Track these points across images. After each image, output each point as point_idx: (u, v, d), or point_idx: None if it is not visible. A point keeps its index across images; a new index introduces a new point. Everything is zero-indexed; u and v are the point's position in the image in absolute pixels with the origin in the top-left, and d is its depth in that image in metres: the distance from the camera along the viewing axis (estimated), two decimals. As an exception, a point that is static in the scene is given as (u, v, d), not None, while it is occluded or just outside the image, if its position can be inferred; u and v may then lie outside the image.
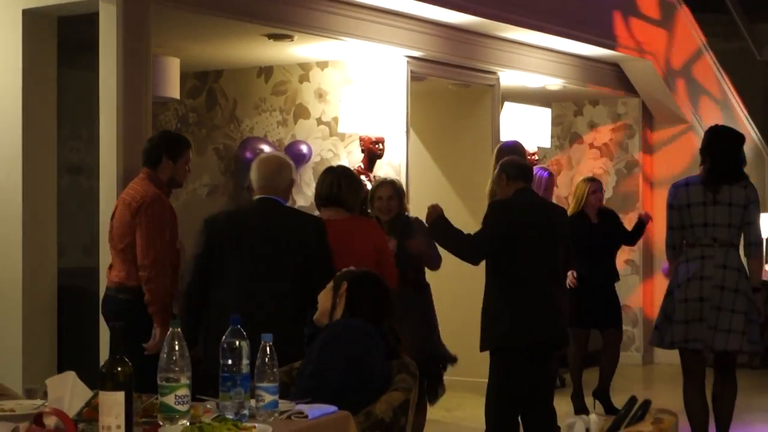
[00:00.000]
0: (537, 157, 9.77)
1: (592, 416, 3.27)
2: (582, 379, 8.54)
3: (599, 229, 8.57)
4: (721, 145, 6.53)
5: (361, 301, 4.50)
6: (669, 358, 11.38)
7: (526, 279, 6.17)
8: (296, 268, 5.32)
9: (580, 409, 8.33)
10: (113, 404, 2.96)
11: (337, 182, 5.90)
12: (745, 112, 12.73)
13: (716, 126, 6.96)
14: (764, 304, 6.82)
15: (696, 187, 6.49)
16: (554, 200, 8.05)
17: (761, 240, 6.56)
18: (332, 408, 3.81)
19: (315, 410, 3.73)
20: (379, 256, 5.80)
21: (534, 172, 7.42)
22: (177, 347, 3.35)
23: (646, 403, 3.31)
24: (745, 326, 6.36)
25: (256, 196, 5.54)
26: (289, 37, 7.94)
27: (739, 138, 6.64)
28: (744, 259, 6.53)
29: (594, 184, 8.72)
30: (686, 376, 6.66)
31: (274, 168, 5.53)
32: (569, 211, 8.43)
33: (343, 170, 6.10)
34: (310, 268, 5.31)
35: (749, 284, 6.43)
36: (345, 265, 5.33)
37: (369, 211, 7.03)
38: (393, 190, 6.86)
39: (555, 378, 6.53)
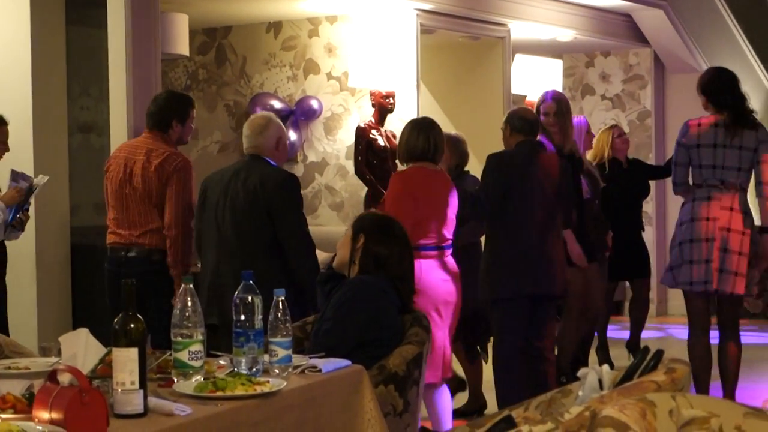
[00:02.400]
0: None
1: (605, 367, 3.28)
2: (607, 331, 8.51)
3: (629, 177, 8.38)
4: (735, 88, 6.49)
5: (378, 253, 4.51)
6: (683, 308, 11.43)
7: (522, 231, 6.12)
8: (258, 221, 5.37)
9: (605, 362, 8.10)
10: (127, 361, 2.97)
11: (434, 141, 5.84)
12: (758, 62, 12.65)
13: (719, 68, 6.87)
14: None
15: (708, 128, 6.41)
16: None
17: None
18: (346, 362, 3.84)
19: (329, 364, 3.75)
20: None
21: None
22: (190, 303, 3.37)
23: (659, 353, 3.31)
24: (749, 270, 6.36)
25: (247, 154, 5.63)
26: (298, -8, 7.93)
27: (736, 77, 6.61)
28: (752, 204, 6.50)
29: (617, 129, 8.55)
30: (690, 321, 6.66)
31: (256, 128, 5.58)
32: (594, 160, 8.33)
33: (433, 126, 5.97)
34: (274, 221, 5.37)
35: (755, 227, 6.41)
36: (444, 214, 5.75)
37: None
38: (452, 147, 6.74)
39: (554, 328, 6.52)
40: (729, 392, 6.58)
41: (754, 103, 12.51)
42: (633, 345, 8.54)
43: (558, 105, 6.84)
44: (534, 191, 6.12)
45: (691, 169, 6.50)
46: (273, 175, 5.47)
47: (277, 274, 5.23)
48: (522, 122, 6.25)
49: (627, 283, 9.00)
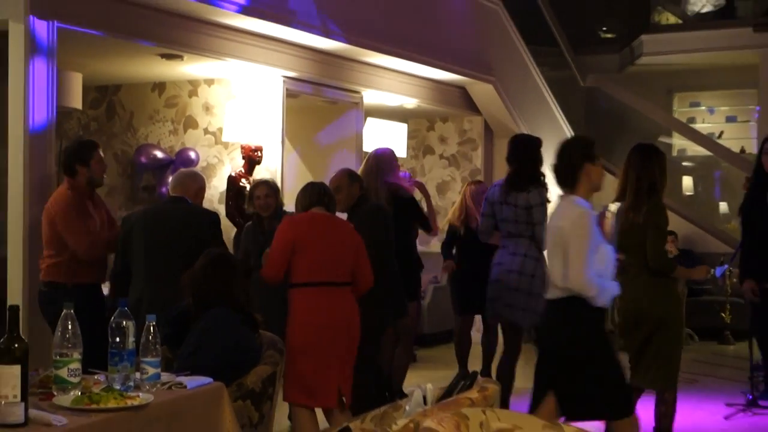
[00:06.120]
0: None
1: (429, 385, 3.32)
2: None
3: None
4: (519, 152, 6.70)
5: (210, 287, 4.48)
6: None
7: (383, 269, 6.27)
8: (189, 252, 5.30)
9: None
10: (10, 377, 2.91)
11: (323, 190, 5.70)
12: (571, 130, 13.00)
13: (516, 135, 7.10)
14: None
15: (498, 188, 6.77)
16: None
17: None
18: (208, 380, 3.81)
19: (193, 381, 3.73)
20: (357, 250, 5.59)
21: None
22: (70, 326, 3.31)
23: (474, 375, 3.37)
24: (530, 304, 6.54)
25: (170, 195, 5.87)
26: (180, 57, 7.86)
27: (528, 145, 6.79)
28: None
29: (483, 185, 8.56)
30: (504, 349, 6.92)
31: (186, 174, 5.95)
32: (457, 215, 8.30)
33: (324, 184, 5.89)
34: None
35: (539, 266, 6.58)
36: (332, 253, 5.45)
37: (247, 208, 6.95)
38: (269, 189, 6.64)
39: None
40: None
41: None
42: (484, 373, 8.31)
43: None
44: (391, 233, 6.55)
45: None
46: (206, 214, 5.81)
47: None
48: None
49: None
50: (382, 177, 7.01)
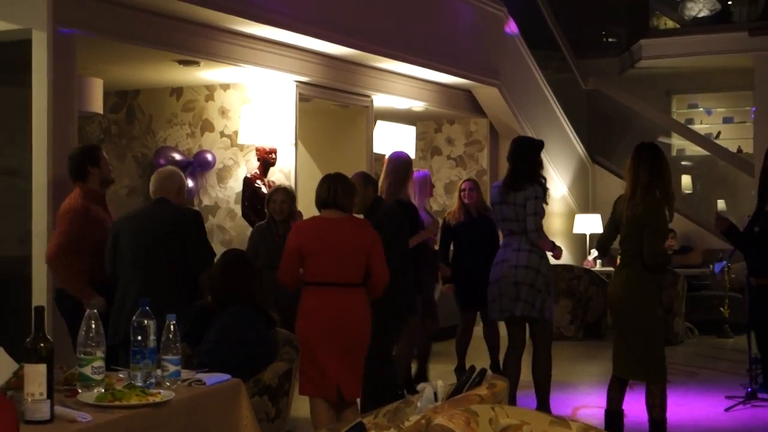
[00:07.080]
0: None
1: (439, 382, 3.30)
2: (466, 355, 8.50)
3: (477, 226, 8.33)
4: (517, 154, 6.65)
5: (236, 286, 4.47)
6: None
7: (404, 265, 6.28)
8: (174, 250, 5.41)
9: None
10: (36, 375, 2.90)
11: (334, 188, 5.49)
12: (573, 131, 12.98)
13: (517, 137, 7.03)
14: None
15: (497, 189, 6.72)
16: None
17: (535, 228, 6.53)
18: (226, 376, 3.80)
19: (212, 378, 3.72)
20: (370, 250, 5.46)
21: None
22: (93, 326, 3.31)
23: (483, 371, 3.35)
24: (531, 296, 6.50)
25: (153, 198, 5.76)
26: (196, 63, 7.85)
27: (528, 147, 6.70)
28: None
29: (465, 183, 8.60)
30: (508, 343, 6.81)
31: (164, 175, 5.75)
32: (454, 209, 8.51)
33: (338, 177, 5.60)
34: (186, 251, 5.41)
35: (543, 262, 6.57)
36: (339, 256, 5.36)
37: (266, 211, 7.03)
38: (285, 195, 6.88)
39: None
40: (540, 401, 6.68)
41: (568, 163, 12.83)
42: (493, 367, 8.19)
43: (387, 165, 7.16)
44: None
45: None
46: (187, 213, 5.67)
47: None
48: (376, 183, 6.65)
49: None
50: (406, 179, 7.11)
